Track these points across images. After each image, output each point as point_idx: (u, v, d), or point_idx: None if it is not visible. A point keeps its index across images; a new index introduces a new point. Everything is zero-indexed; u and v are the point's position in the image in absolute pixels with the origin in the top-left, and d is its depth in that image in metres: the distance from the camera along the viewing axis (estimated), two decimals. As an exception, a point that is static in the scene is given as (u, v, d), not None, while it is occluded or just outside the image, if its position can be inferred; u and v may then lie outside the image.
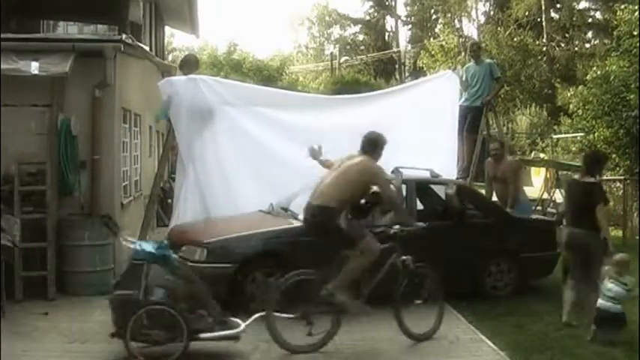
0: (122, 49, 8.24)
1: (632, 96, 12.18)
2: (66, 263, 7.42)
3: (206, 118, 8.04)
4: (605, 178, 11.78)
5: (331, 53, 38.86)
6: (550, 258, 8.02)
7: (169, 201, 10.71)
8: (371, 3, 43.65)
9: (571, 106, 16.14)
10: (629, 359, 5.59)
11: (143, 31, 12.67)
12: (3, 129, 7.19)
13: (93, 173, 8.03)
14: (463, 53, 29.17)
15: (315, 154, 6.71)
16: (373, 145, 6.01)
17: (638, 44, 12.64)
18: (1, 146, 7.20)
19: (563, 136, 20.28)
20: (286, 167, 8.07)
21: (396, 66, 40.71)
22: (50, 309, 6.79)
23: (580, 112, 14.30)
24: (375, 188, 5.99)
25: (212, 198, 7.89)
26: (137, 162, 10.97)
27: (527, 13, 33.40)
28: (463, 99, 9.79)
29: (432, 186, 8.25)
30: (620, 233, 12.33)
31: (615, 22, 14.35)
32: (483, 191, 9.36)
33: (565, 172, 14.08)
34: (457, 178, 8.89)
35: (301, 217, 7.24)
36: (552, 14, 34.42)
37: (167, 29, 19.29)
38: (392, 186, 6.29)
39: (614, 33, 14.17)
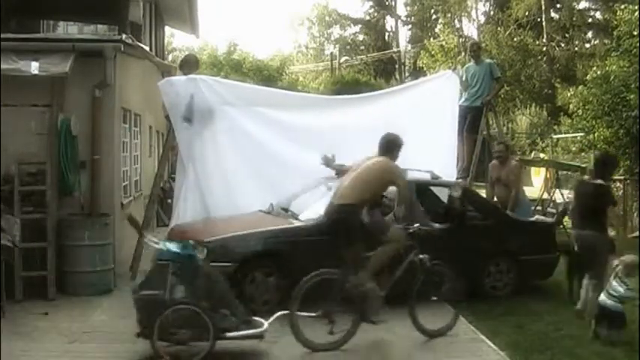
0: (122, 49, 8.24)
1: (632, 96, 12.19)
2: (66, 263, 7.41)
3: (206, 118, 8.05)
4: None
5: (331, 53, 38.86)
6: (550, 261, 7.98)
7: (169, 201, 10.71)
8: (371, 3, 43.69)
9: (571, 106, 16.16)
10: (629, 359, 5.59)
11: (143, 31, 12.67)
12: (3, 129, 7.19)
13: (93, 173, 8.03)
14: (463, 53, 29.18)
15: (328, 162, 6.85)
16: (391, 146, 6.16)
17: (638, 44, 12.65)
18: (1, 146, 7.19)
19: (563, 136, 20.30)
20: (286, 167, 8.08)
21: (396, 66, 40.71)
22: (50, 309, 6.78)
23: (580, 112, 14.32)
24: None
25: (212, 198, 7.89)
26: (137, 162, 10.97)
27: (527, 13, 33.43)
28: (463, 99, 9.78)
29: (432, 187, 8.23)
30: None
31: (615, 22, 14.36)
32: (483, 191, 9.35)
33: (565, 172, 14.09)
34: (457, 179, 8.86)
35: (301, 217, 7.28)
36: (552, 14, 34.45)
37: (167, 29, 19.30)
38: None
39: (614, 33, 14.18)
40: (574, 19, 33.20)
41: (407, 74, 38.94)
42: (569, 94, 17.94)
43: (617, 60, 13.28)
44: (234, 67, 33.96)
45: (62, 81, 7.49)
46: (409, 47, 40.82)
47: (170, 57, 30.49)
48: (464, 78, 9.82)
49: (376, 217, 6.11)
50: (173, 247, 5.46)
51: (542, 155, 19.57)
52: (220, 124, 8.13)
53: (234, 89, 8.65)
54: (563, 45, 33.61)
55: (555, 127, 24.47)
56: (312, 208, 7.34)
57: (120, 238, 8.42)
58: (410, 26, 44.23)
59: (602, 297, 6.02)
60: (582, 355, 5.69)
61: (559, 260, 7.95)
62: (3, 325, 5.93)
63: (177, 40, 39.18)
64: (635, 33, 12.81)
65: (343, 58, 38.14)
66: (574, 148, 17.94)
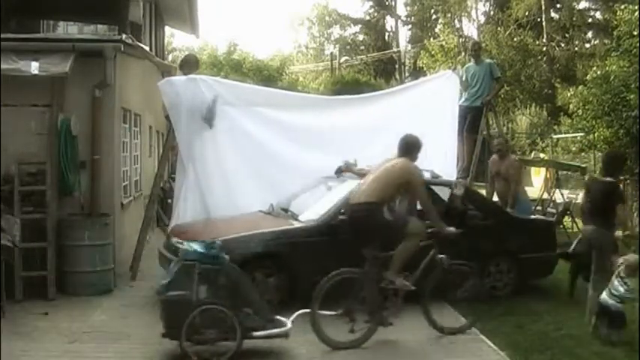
0: (122, 49, 8.23)
1: (632, 96, 12.18)
2: (66, 263, 7.41)
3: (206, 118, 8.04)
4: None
5: (331, 53, 38.84)
6: (550, 259, 8.00)
7: (169, 201, 10.70)
8: (371, 3, 43.69)
9: (571, 106, 16.14)
10: (629, 359, 5.59)
11: (143, 31, 12.66)
12: (3, 129, 7.19)
13: (93, 173, 8.03)
14: (463, 53, 29.19)
15: (350, 167, 7.00)
16: (411, 147, 6.21)
17: (638, 44, 12.63)
18: (1, 146, 7.19)
19: (563, 136, 20.30)
20: (286, 167, 8.08)
21: (396, 66, 40.72)
22: (50, 309, 6.77)
23: (580, 112, 14.30)
24: None
25: (212, 198, 7.89)
26: (137, 162, 10.97)
27: (527, 13, 33.42)
28: (463, 99, 9.78)
29: (432, 186, 8.22)
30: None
31: (615, 22, 14.34)
32: (483, 191, 9.36)
33: (565, 172, 14.08)
34: (457, 178, 8.86)
35: (302, 217, 7.28)
36: (552, 14, 34.45)
37: (167, 29, 19.29)
38: None
39: (614, 33, 14.15)
40: (574, 19, 33.20)
41: (407, 74, 38.93)
42: (569, 94, 17.91)
43: (617, 60, 13.26)
44: (234, 67, 33.97)
45: (62, 81, 7.49)
46: (409, 47, 40.83)
47: (170, 57, 30.51)
48: (464, 78, 9.82)
49: (397, 212, 6.24)
50: (199, 247, 5.47)
51: (542, 155, 19.57)
52: (220, 124, 8.13)
53: (234, 89, 8.65)
54: (563, 45, 33.60)
55: (555, 127, 24.47)
56: (312, 209, 7.34)
57: (120, 238, 8.42)
58: (410, 26, 44.27)
59: (604, 296, 6.03)
60: (582, 355, 5.69)
61: (559, 258, 7.96)
62: (3, 325, 5.93)
63: (177, 40, 39.30)
64: (635, 33, 12.79)
65: (343, 58, 38.13)
66: (574, 148, 17.95)
